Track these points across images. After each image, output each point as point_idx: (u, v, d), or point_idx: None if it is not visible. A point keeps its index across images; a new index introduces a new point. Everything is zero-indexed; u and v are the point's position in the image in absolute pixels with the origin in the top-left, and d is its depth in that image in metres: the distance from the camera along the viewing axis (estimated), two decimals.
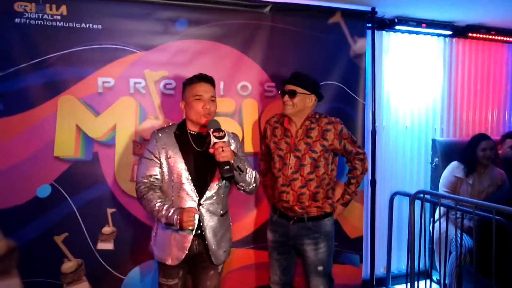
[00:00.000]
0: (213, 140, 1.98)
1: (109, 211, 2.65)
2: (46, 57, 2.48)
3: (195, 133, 2.17)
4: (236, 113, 2.89)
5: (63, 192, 2.55)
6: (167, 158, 2.11)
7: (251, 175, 2.18)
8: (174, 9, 2.71)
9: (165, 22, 2.71)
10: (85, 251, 2.61)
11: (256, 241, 2.97)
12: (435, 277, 3.55)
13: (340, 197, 2.62)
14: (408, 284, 3.22)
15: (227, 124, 2.76)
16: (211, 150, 1.98)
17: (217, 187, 2.15)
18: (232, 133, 2.30)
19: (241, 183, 2.15)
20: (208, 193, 2.12)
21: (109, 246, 2.65)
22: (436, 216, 3.33)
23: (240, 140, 2.67)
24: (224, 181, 2.16)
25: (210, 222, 2.14)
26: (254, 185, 2.22)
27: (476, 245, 2.81)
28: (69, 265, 2.58)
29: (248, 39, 2.88)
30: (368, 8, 3.20)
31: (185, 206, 2.07)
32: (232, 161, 1.99)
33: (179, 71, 2.71)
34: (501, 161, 3.63)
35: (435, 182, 3.71)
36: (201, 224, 2.11)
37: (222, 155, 1.95)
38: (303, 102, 2.41)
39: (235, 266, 2.93)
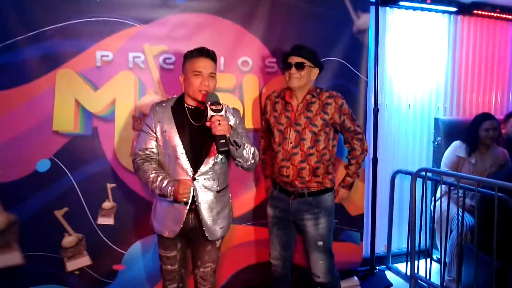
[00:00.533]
0: (210, 113, 1.94)
1: (109, 186, 2.64)
2: (43, 29, 2.43)
3: (193, 107, 2.14)
4: (237, 89, 2.85)
5: (63, 166, 2.54)
6: (163, 132, 2.10)
7: (249, 151, 2.14)
8: None
9: None
10: (86, 225, 2.62)
11: (256, 218, 2.96)
12: (435, 256, 3.55)
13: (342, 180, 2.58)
14: (409, 263, 3.23)
15: (228, 100, 2.70)
16: (208, 123, 1.95)
17: (212, 163, 2.12)
18: (233, 108, 2.27)
19: (238, 159, 2.12)
20: (203, 168, 2.10)
21: (109, 221, 2.65)
22: (438, 195, 3.31)
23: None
24: (221, 156, 2.14)
25: (205, 197, 2.12)
26: (253, 161, 2.19)
27: (477, 223, 2.80)
28: (69, 240, 2.59)
29: (249, 13, 2.83)
30: None
31: None
32: (228, 135, 1.96)
33: (178, 46, 2.66)
34: (504, 140, 3.60)
35: (437, 161, 3.69)
36: (195, 199, 2.10)
37: (218, 129, 1.92)
38: (309, 75, 2.39)
39: (235, 243, 2.93)
